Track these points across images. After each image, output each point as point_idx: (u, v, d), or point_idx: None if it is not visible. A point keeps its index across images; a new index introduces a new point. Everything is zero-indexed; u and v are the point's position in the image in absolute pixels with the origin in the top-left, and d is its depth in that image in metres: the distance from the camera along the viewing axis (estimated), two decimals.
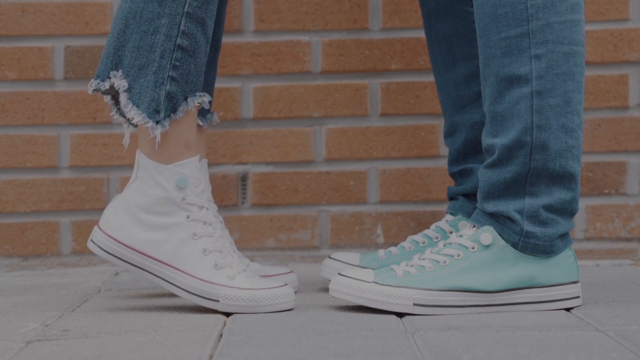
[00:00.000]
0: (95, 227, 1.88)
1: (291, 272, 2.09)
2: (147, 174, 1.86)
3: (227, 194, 2.44)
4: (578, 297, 1.86)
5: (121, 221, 1.86)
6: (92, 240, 1.88)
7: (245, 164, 2.44)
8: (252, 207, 2.45)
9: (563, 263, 1.86)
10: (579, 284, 1.87)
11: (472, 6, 2.12)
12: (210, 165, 2.43)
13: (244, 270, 1.87)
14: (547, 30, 1.81)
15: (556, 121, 1.82)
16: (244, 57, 2.44)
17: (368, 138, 2.45)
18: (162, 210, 1.86)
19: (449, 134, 2.19)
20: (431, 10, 2.17)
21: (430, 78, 2.44)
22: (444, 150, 2.45)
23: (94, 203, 2.43)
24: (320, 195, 2.45)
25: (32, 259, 2.43)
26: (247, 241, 2.44)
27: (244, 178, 2.45)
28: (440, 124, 2.45)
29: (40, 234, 2.43)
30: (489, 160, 1.85)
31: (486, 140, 1.86)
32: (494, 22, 1.82)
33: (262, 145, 2.44)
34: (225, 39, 2.43)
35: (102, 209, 2.41)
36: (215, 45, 2.07)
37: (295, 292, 2.05)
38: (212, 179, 2.43)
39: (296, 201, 2.45)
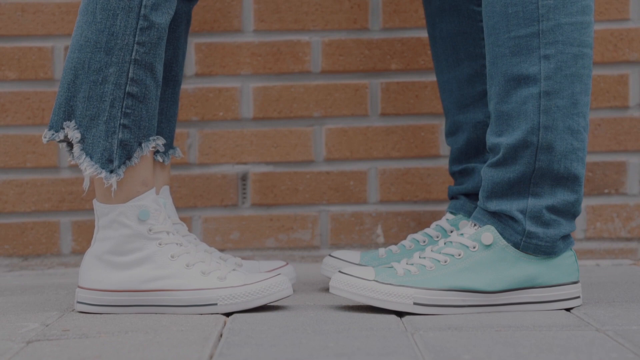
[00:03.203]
0: (77, 289, 1.88)
1: (287, 264, 2.09)
2: (107, 219, 1.85)
3: (227, 194, 2.44)
4: (578, 297, 1.86)
5: (97, 272, 1.86)
6: (77, 301, 1.87)
7: (245, 164, 2.44)
8: (252, 207, 2.45)
9: (564, 263, 1.86)
10: (579, 284, 1.87)
11: (478, 5, 2.12)
12: (210, 165, 2.43)
13: (234, 270, 1.87)
14: (557, 31, 1.80)
15: (563, 122, 1.81)
16: (244, 57, 2.43)
17: (368, 138, 2.45)
18: (133, 247, 1.85)
19: (451, 133, 2.18)
20: (436, 9, 2.17)
21: (431, 78, 2.44)
22: (444, 150, 2.44)
23: None
24: (320, 195, 2.45)
25: (32, 259, 2.43)
26: (247, 241, 2.44)
27: (244, 178, 2.45)
28: (440, 123, 2.44)
29: (40, 234, 2.43)
30: (493, 159, 1.85)
31: (491, 139, 1.85)
32: (504, 20, 1.82)
33: (262, 145, 2.44)
34: (225, 39, 2.43)
35: None
36: (174, 81, 2.07)
37: (292, 283, 2.05)
38: (212, 179, 2.43)
39: (296, 201, 2.45)
